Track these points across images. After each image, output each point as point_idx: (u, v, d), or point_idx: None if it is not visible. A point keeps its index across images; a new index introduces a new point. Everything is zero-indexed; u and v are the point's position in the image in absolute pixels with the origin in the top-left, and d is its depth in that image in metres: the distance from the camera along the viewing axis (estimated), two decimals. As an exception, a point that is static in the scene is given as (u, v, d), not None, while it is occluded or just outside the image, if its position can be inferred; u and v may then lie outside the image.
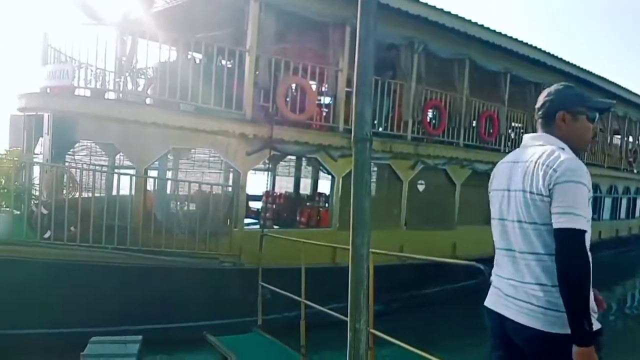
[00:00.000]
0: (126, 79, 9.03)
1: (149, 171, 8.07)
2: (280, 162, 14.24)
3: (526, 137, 2.60)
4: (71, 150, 8.25)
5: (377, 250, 5.92)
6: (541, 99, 2.58)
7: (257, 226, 10.14)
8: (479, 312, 3.81)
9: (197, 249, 7.76)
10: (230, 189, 8.47)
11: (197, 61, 9.62)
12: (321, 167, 9.65)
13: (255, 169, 9.63)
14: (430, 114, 11.54)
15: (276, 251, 8.13)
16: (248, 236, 8.30)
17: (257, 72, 8.33)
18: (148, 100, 8.91)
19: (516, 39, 12.18)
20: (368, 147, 2.66)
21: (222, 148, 8.07)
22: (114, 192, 8.24)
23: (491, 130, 12.45)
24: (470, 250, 11.76)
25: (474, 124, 12.14)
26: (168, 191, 8.38)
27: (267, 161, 8.41)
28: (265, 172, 8.89)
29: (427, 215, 11.47)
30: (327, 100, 10.09)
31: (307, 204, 12.73)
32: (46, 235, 6.98)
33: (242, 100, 8.25)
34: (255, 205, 13.38)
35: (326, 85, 9.39)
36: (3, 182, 6.87)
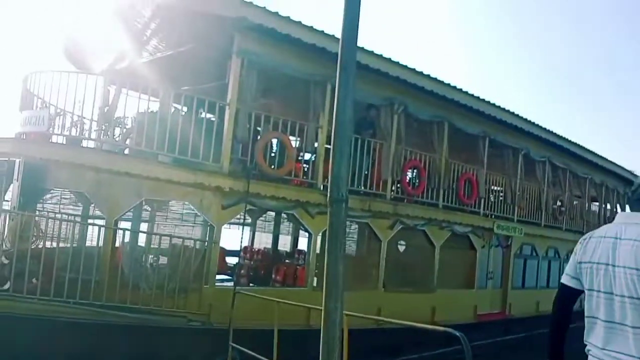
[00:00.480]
0: (105, 128, 8.94)
1: (120, 223, 7.78)
2: (261, 217, 13.99)
3: (622, 215, 2.78)
4: (42, 198, 7.97)
5: (351, 313, 5.77)
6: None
7: (231, 283, 9.78)
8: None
9: (165, 306, 7.39)
10: (204, 243, 8.18)
11: (182, 113, 9.60)
12: (299, 224, 9.46)
13: (231, 223, 9.45)
14: (409, 174, 11.54)
15: (249, 310, 7.82)
16: (219, 294, 7.98)
17: (235, 126, 8.28)
18: (127, 151, 8.79)
19: (494, 105, 12.46)
20: (344, 207, 2.70)
21: (197, 201, 7.88)
22: (86, 243, 7.96)
23: (470, 193, 12.47)
24: (450, 315, 11.49)
25: (453, 186, 12.15)
26: (138, 244, 8.06)
27: (242, 215, 8.18)
28: (243, 227, 8.60)
29: (406, 276, 11.25)
30: (307, 156, 10.05)
31: (285, 261, 12.44)
32: (5, 287, 6.60)
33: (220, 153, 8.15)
34: (233, 260, 13.03)
35: (306, 141, 9.37)
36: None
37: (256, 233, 14.51)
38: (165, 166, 7.67)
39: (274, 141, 9.15)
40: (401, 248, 11.23)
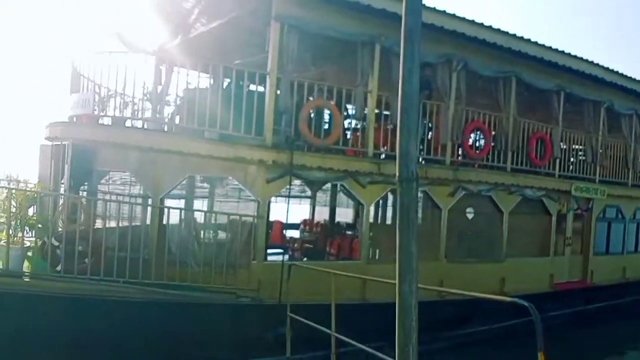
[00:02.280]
0: (155, 107, 8.94)
1: (166, 200, 7.77)
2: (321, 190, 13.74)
3: None
4: (90, 179, 8.12)
5: (424, 286, 5.38)
6: None
7: (285, 257, 9.66)
8: (528, 355, 3.31)
9: (213, 283, 7.34)
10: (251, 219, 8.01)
11: (225, 87, 9.42)
12: (349, 195, 9.05)
13: (292, 197, 9.21)
14: (472, 137, 10.71)
15: (301, 286, 7.61)
16: (269, 269, 7.81)
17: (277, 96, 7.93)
18: (174, 129, 8.75)
19: (570, 54, 11.20)
20: (414, 186, 2.59)
21: (241, 175, 7.68)
22: (140, 223, 8.05)
23: (543, 153, 11.41)
24: (523, 285, 10.73)
25: (523, 147, 11.15)
26: (185, 221, 8.04)
27: (288, 188, 7.90)
28: (289, 200, 8.34)
29: (471, 246, 10.58)
30: (354, 123, 9.58)
31: (345, 233, 12.13)
32: (57, 268, 6.79)
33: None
34: (294, 234, 12.95)
35: (353, 108, 8.85)
36: (19, 213, 6.75)
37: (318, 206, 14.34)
38: (206, 142, 7.50)
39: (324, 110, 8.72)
40: (465, 216, 10.52)
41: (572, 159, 12.87)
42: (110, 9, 10.92)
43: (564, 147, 12.51)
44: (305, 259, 10.04)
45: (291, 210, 15.19)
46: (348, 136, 9.78)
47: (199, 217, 8.28)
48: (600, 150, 12.77)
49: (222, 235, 8.11)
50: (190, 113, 7.90)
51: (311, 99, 8.51)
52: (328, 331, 6.25)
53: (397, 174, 2.59)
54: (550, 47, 10.74)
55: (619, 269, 13.36)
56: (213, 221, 8.24)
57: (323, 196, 14.34)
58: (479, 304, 8.43)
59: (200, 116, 7.74)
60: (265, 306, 7.58)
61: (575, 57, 11.29)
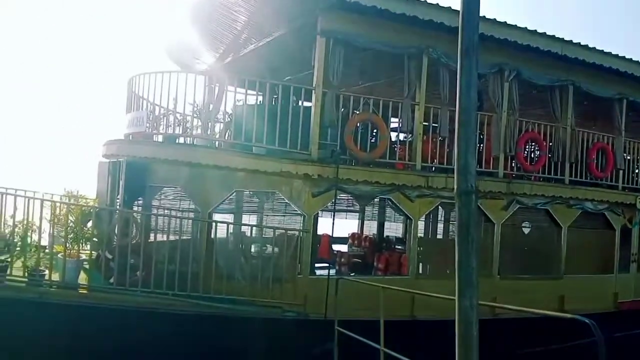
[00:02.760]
0: (206, 124, 9.19)
1: (214, 215, 7.91)
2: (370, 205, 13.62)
3: None
4: (143, 195, 8.39)
5: (485, 303, 5.24)
6: None
7: (330, 272, 9.62)
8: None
9: (259, 297, 7.38)
10: (298, 233, 8.02)
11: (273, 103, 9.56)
12: (397, 209, 8.90)
13: (337, 211, 9.10)
14: (527, 148, 10.31)
15: (348, 301, 7.53)
16: (315, 284, 7.78)
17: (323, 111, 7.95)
18: (222, 145, 8.95)
19: (631, 60, 10.62)
20: (473, 199, 2.58)
21: (286, 190, 7.72)
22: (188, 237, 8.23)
23: (605, 165, 10.82)
24: (583, 303, 10.15)
25: (582, 158, 10.62)
26: (232, 235, 8.15)
27: (333, 202, 7.88)
28: (334, 214, 8.30)
29: (527, 262, 10.12)
30: (401, 136, 9.44)
31: (395, 247, 11.93)
32: (110, 280, 7.04)
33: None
34: (342, 248, 12.87)
35: (401, 121, 8.73)
36: (75, 227, 7.07)
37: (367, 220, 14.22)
38: (253, 157, 7.61)
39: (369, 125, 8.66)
40: (519, 230, 10.10)
41: (637, 171, 12.13)
42: (166, 30, 11.40)
43: (628, 157, 11.83)
44: (352, 273, 9.94)
45: (340, 224, 15.22)
46: (396, 149, 9.66)
47: (247, 231, 8.36)
48: (669, 161, 11.99)
49: (269, 249, 8.15)
50: (238, 129, 8.05)
51: (357, 112, 8.49)
52: (377, 346, 6.18)
53: (455, 187, 2.59)
54: (609, 53, 10.22)
55: (691, 288, 12.42)
56: (260, 235, 8.31)
57: (372, 210, 14.22)
58: (536, 322, 8.05)
59: (248, 132, 7.88)
60: (311, 321, 7.53)
61: (637, 62, 10.68)
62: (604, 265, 10.96)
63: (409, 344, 6.44)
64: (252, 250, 8.20)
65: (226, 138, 9.00)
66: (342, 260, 10.49)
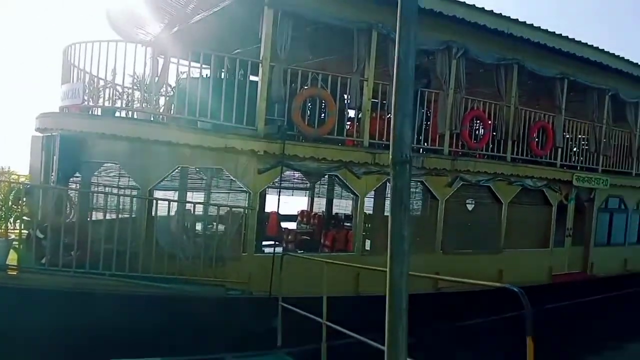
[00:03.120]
0: (148, 97, 8.74)
1: (156, 192, 7.62)
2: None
3: None
4: (78, 171, 7.96)
5: (415, 273, 5.28)
6: None
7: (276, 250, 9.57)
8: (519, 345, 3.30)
9: (202, 276, 7.22)
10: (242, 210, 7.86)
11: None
12: (343, 186, 8.87)
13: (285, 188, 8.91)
14: (471, 126, 10.47)
15: (293, 279, 7.51)
16: (259, 262, 7.69)
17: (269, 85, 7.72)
18: (164, 119, 8.58)
19: (574, 40, 10.89)
20: (408, 169, 2.60)
21: (232, 166, 7.51)
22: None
23: (545, 143, 11.17)
24: (520, 276, 10.57)
25: (524, 136, 10.90)
26: (174, 213, 7.88)
27: (277, 181, 7.75)
28: (280, 191, 8.19)
29: (468, 237, 10.40)
30: (350, 113, 9.35)
31: (340, 225, 11.98)
32: (42, 261, 6.68)
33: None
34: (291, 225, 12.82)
35: (349, 97, 8.63)
36: (3, 205, 6.63)
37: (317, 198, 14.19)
38: (196, 132, 7.32)
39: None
40: (462, 207, 10.32)
41: (575, 149, 12.60)
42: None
43: (568, 136, 12.25)
44: (300, 251, 9.90)
45: (291, 202, 15.14)
46: (348, 126, 9.58)
47: (191, 209, 8.11)
48: (604, 140, 12.51)
49: (213, 227, 7.96)
50: (182, 103, 7.72)
51: (306, 87, 8.30)
52: (319, 320, 6.21)
53: (390, 157, 2.62)
54: (553, 33, 10.43)
55: (620, 261, 13.19)
56: (205, 213, 8.09)
57: (322, 187, 14.19)
58: (476, 296, 8.30)
59: (192, 106, 7.56)
60: (256, 299, 7.47)
61: (579, 42, 10.98)
62: (540, 239, 11.43)
63: (354, 320, 6.51)
64: (198, 228, 7.99)
65: (170, 112, 8.61)
66: (290, 237, 10.43)
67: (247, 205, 7.70)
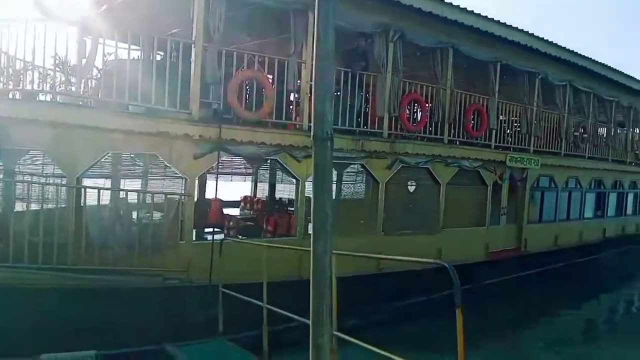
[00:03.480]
0: (73, 80, 8.24)
1: (86, 180, 7.22)
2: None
3: None
4: (22, 159, 7.44)
5: (338, 252, 5.31)
6: None
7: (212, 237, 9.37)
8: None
9: (138, 265, 6.94)
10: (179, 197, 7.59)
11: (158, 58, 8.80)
12: (284, 170, 8.77)
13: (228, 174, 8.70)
14: (409, 109, 10.59)
15: (235, 265, 7.36)
16: (199, 249, 7.49)
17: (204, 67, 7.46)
18: (92, 103, 8.12)
19: (506, 25, 11.20)
20: (329, 146, 2.62)
21: (165, 151, 7.22)
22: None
23: (480, 125, 11.48)
24: (458, 255, 10.87)
25: (460, 119, 11.15)
26: (105, 202, 7.51)
27: (214, 166, 7.54)
28: (217, 177, 7.98)
29: (409, 218, 10.58)
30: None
31: (283, 210, 11.88)
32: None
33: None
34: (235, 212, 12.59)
35: (287, 79, 8.49)
36: None
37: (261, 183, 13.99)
38: (126, 116, 6.97)
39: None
40: (402, 188, 10.47)
41: (508, 130, 13.05)
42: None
43: (503, 118, 12.65)
44: (242, 237, 9.74)
45: (235, 188, 14.85)
46: (291, 109, 9.43)
47: (123, 197, 7.76)
48: (535, 121, 13.01)
49: (148, 215, 7.65)
50: (111, 86, 7.32)
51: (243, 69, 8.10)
52: (260, 303, 6.13)
53: (312, 134, 2.62)
54: (486, 17, 10.68)
55: (551, 237, 13.85)
56: (140, 201, 7.78)
57: (266, 172, 14.01)
58: (417, 276, 8.43)
59: (121, 89, 7.18)
60: (195, 287, 7.28)
61: (511, 27, 11.31)
62: (477, 218, 11.79)
63: (298, 303, 6.45)
64: (134, 217, 7.66)
65: (99, 96, 8.17)
66: (231, 224, 10.23)
67: (183, 192, 7.45)
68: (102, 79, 7.31)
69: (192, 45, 7.42)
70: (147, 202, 7.48)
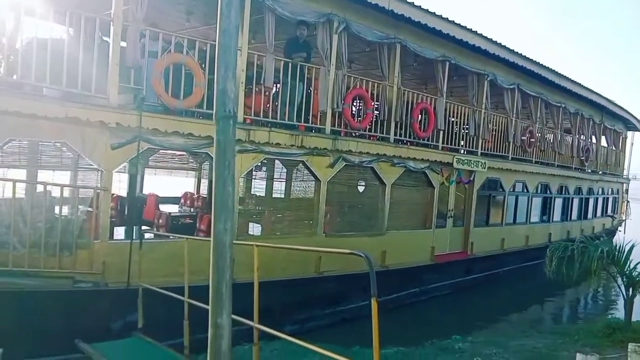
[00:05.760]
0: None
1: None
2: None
3: None
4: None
5: (262, 244, 4.82)
6: None
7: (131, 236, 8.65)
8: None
9: (45, 267, 6.17)
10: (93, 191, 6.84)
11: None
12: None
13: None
14: (354, 105, 10.16)
15: (156, 267, 6.73)
16: (115, 249, 6.77)
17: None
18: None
19: (455, 22, 10.95)
20: (231, 125, 2.64)
21: (77, 140, 6.46)
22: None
23: (427, 125, 11.17)
24: (404, 258, 10.54)
25: (407, 118, 10.80)
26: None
27: (135, 158, 6.85)
28: (137, 170, 7.27)
29: (352, 220, 10.15)
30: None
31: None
32: None
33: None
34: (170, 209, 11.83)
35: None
36: None
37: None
38: (26, 98, 6.13)
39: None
40: (347, 188, 10.01)
41: (456, 130, 12.83)
42: None
43: (454, 119, 12.41)
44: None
45: (178, 183, 14.03)
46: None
47: (33, 191, 6.93)
48: (483, 124, 12.85)
49: (57, 211, 6.86)
50: (16, 66, 6.51)
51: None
52: (182, 298, 5.69)
53: (214, 112, 2.62)
54: (434, 14, 10.37)
55: (497, 240, 13.72)
56: (44, 194, 6.95)
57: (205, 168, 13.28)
58: (359, 278, 7.95)
59: (27, 68, 6.38)
60: (110, 291, 6.56)
61: (459, 25, 11.07)
62: (423, 220, 11.47)
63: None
64: (34, 212, 6.83)
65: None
66: (160, 222, 9.48)
67: (99, 186, 6.71)
68: (19, 59, 6.43)
69: (111, 23, 6.71)
70: (53, 196, 6.67)
